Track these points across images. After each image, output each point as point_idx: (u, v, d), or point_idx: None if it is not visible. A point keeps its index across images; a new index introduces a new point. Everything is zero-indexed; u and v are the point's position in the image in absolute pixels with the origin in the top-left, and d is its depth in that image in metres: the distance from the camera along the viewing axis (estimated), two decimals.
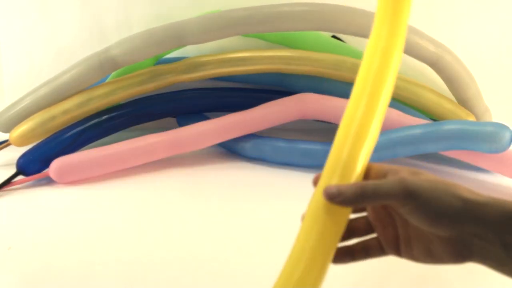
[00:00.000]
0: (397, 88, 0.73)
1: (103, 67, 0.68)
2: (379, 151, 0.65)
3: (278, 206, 0.61)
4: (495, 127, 0.62)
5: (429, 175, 0.27)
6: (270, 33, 0.76)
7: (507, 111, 0.83)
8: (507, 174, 0.67)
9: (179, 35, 0.67)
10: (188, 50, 0.77)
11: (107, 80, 0.74)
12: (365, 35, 0.69)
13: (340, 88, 0.75)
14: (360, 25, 0.67)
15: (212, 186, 0.67)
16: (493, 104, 0.80)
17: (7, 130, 0.72)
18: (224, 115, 0.72)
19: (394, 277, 0.47)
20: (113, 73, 0.75)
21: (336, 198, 0.27)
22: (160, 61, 0.76)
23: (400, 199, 0.26)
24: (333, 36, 0.80)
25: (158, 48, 0.68)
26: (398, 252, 0.30)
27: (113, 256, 0.50)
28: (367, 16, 0.67)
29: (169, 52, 0.75)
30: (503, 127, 0.62)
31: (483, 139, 0.62)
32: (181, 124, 0.77)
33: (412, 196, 0.25)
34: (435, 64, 0.71)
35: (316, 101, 0.71)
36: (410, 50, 0.69)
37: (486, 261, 0.26)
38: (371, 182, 0.27)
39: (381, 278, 0.47)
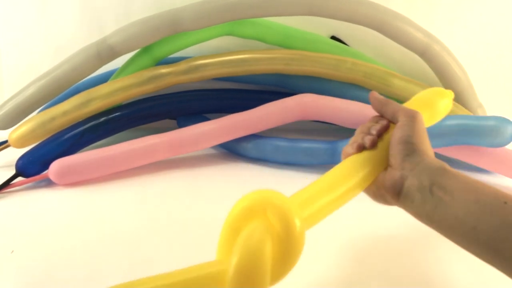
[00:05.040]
0: (396, 88, 0.73)
1: (101, 56, 0.68)
2: None
3: None
4: (496, 121, 0.62)
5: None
6: (270, 34, 0.76)
7: (506, 111, 0.83)
8: (507, 174, 0.67)
9: (175, 21, 0.67)
10: (189, 51, 0.77)
11: (109, 81, 0.73)
12: (355, 21, 0.69)
13: (340, 88, 0.75)
14: (350, 10, 0.67)
15: (214, 187, 0.67)
16: (493, 104, 0.80)
17: (7, 125, 0.71)
18: (224, 116, 0.72)
19: (396, 277, 0.47)
20: (114, 74, 0.75)
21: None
22: (160, 62, 0.76)
23: (402, 117, 0.38)
24: (333, 37, 0.80)
25: (155, 35, 0.68)
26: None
27: (114, 258, 0.50)
28: (357, 2, 0.68)
29: (170, 52, 0.75)
30: (504, 120, 0.61)
31: (485, 133, 0.61)
32: (181, 126, 0.77)
33: (410, 118, 0.38)
34: (424, 54, 0.71)
35: (316, 102, 0.71)
36: (399, 38, 0.69)
37: (411, 203, 0.35)
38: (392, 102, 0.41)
39: (383, 278, 0.47)
